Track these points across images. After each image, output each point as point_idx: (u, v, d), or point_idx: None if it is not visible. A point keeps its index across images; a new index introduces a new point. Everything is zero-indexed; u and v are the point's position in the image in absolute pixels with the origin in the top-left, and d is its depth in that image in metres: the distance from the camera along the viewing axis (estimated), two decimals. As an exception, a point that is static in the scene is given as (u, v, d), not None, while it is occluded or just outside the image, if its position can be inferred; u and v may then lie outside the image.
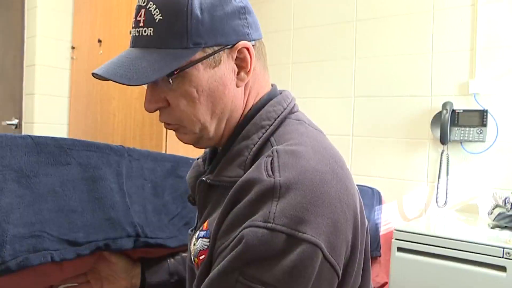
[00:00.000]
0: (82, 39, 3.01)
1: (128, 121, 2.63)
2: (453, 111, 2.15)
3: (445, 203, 2.20)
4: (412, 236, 1.68)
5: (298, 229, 0.62)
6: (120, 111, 2.69)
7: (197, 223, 0.87)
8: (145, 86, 0.77)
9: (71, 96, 3.13)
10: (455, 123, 2.14)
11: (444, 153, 2.19)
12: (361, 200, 0.75)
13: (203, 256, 0.72)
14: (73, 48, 3.08)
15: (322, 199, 0.64)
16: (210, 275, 0.65)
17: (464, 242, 1.57)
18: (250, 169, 0.69)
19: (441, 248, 1.61)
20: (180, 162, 1.18)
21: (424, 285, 1.65)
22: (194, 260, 0.75)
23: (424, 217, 2.23)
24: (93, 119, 2.90)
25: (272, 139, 0.75)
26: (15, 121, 3.13)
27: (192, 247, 0.77)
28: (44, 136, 0.97)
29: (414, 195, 2.31)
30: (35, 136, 0.95)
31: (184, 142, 0.82)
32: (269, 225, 0.61)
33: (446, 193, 2.20)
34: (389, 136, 2.38)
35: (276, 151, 0.69)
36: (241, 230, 0.63)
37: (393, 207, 2.33)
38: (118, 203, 1.00)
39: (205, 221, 0.77)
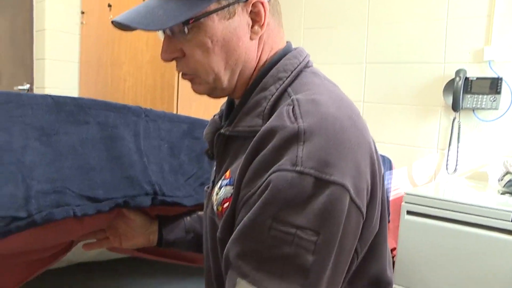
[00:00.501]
0: (92, 4, 2.99)
1: (139, 85, 2.64)
2: (466, 78, 2.14)
3: (455, 170, 2.21)
4: (422, 200, 1.70)
5: (326, 172, 0.63)
6: (130, 76, 2.70)
7: (214, 178, 0.89)
8: (157, 49, 0.78)
9: (81, 62, 3.14)
10: (468, 91, 2.14)
11: (456, 121, 2.19)
12: (376, 149, 0.77)
13: (227, 204, 0.74)
14: (82, 13, 3.07)
15: (344, 144, 0.66)
16: (241, 225, 0.67)
17: (473, 206, 1.59)
18: (271, 118, 0.71)
19: (450, 212, 1.63)
20: (196, 123, 1.19)
21: (432, 248, 1.68)
22: (217, 209, 0.77)
23: (433, 183, 2.25)
24: (104, 84, 2.91)
25: (289, 89, 0.76)
26: (27, 86, 3.15)
27: (214, 196, 0.79)
28: (63, 96, 0.98)
29: (424, 162, 2.32)
30: (55, 96, 0.96)
31: (199, 93, 0.84)
32: (298, 168, 0.63)
33: (456, 160, 2.21)
34: (401, 102, 2.38)
35: (297, 99, 0.71)
36: (268, 176, 0.65)
37: (402, 174, 2.35)
38: (136, 162, 1.02)
39: (226, 171, 0.79)
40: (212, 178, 0.92)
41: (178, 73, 2.47)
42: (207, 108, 2.49)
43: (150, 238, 1.09)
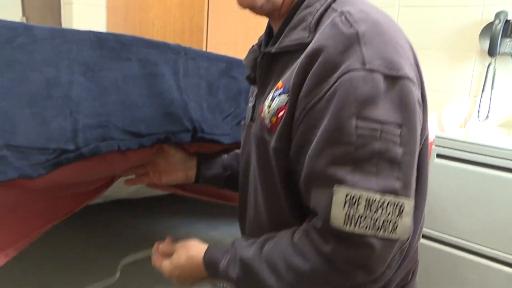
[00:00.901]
0: None
1: (168, 29, 2.63)
2: (507, 21, 2.06)
3: (487, 117, 2.18)
4: (452, 143, 1.70)
5: (393, 68, 0.67)
6: (159, 20, 2.68)
7: (255, 102, 0.91)
8: None
9: (108, 6, 3.12)
10: (508, 34, 2.06)
11: (491, 66, 2.14)
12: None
13: (282, 112, 0.76)
14: (110, -46, 3.03)
15: (399, 47, 0.70)
16: (322, 134, 0.68)
17: (504, 150, 1.58)
18: (323, 29, 0.73)
19: (481, 156, 1.62)
20: (234, 63, 1.20)
21: (460, 192, 1.69)
22: (270, 121, 0.79)
23: (463, 129, 2.23)
24: (132, 29, 2.91)
25: (333, 5, 0.77)
26: (56, 30, 3.16)
27: (266, 110, 0.80)
28: (105, 32, 0.99)
29: (454, 108, 2.29)
30: (97, 32, 0.98)
31: (245, 4, 0.83)
32: (367, 66, 0.66)
33: (489, 108, 2.17)
34: (434, 47, 2.33)
35: (347, 11, 0.72)
36: (336, 80, 0.67)
37: (432, 120, 2.33)
38: (177, 99, 1.04)
39: (275, 86, 0.81)
40: (252, 103, 0.93)
41: (207, 17, 2.45)
42: (235, 52, 2.47)
43: (188, 174, 1.12)
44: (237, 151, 1.15)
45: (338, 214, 0.66)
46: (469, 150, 1.66)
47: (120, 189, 1.32)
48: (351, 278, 0.69)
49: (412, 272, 0.92)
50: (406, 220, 0.67)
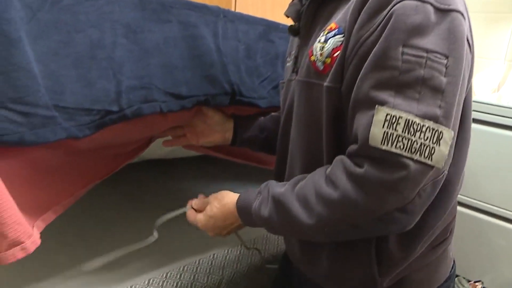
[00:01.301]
0: None
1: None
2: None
3: (522, 82, 2.13)
4: (485, 107, 1.68)
5: (444, 1, 0.68)
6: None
7: (298, 54, 0.91)
8: None
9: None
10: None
11: (529, 29, 2.08)
12: None
13: (337, 53, 0.77)
14: None
15: None
16: (371, 59, 0.70)
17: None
18: None
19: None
20: (271, 26, 1.19)
21: (492, 157, 1.68)
22: (324, 63, 0.80)
23: (497, 94, 2.19)
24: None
25: None
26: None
27: (317, 53, 0.81)
28: (146, -7, 0.99)
29: (488, 73, 2.24)
30: (138, -7, 0.97)
31: None
32: None
33: (525, 72, 2.12)
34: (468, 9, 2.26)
35: None
36: (389, 10, 0.68)
37: (465, 85, 2.29)
38: (216, 62, 1.04)
39: (321, 30, 0.82)
40: (293, 56, 0.94)
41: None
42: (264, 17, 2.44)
43: (225, 135, 1.14)
44: (273, 113, 1.16)
45: (377, 133, 0.68)
46: (503, 114, 1.63)
47: (156, 149, 1.35)
48: (381, 202, 0.69)
49: (450, 229, 0.94)
50: (443, 149, 0.68)
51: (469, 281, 1.92)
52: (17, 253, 0.81)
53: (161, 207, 1.05)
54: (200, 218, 0.98)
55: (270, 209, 0.83)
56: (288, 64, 0.98)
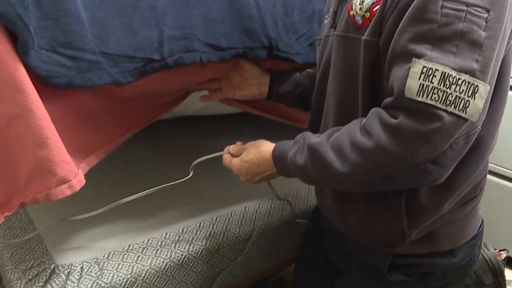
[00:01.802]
0: None
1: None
2: None
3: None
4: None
5: None
6: None
7: (337, 9, 0.92)
8: None
9: None
10: None
11: None
12: None
13: (377, 7, 0.78)
14: None
15: None
16: (410, 12, 0.71)
17: None
18: None
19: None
20: (309, -17, 1.19)
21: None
22: (363, 17, 0.81)
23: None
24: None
25: None
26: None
27: (357, 7, 0.83)
28: None
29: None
30: None
31: None
32: None
33: None
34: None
35: None
36: None
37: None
38: (255, 16, 1.04)
39: None
40: (333, 9, 0.94)
41: None
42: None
43: (261, 89, 1.16)
44: (309, 70, 1.17)
45: (412, 84, 0.69)
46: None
47: (190, 105, 1.38)
48: (414, 152, 0.71)
49: (480, 188, 0.95)
50: (478, 103, 0.69)
51: (494, 249, 1.92)
52: (65, 190, 0.86)
53: (190, 161, 1.08)
54: (235, 162, 1.01)
55: (305, 157, 0.85)
56: (326, 21, 0.99)
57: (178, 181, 1.05)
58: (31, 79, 0.79)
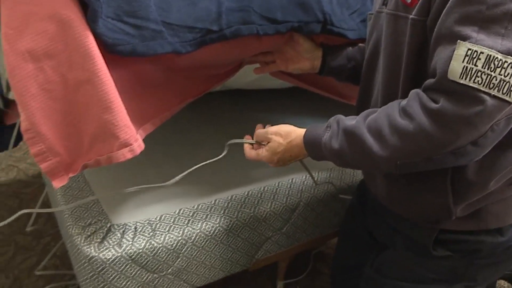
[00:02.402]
0: None
1: None
2: None
3: None
4: None
5: None
6: None
7: None
8: None
9: None
10: None
11: None
12: None
13: None
14: None
15: None
16: None
17: None
18: None
19: None
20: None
21: None
22: None
23: None
24: None
25: None
26: None
27: None
28: None
29: None
30: None
31: None
32: None
33: None
34: None
35: None
36: None
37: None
38: (311, -11, 1.05)
39: None
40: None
41: None
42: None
43: (314, 63, 1.16)
44: (361, 44, 1.17)
45: (456, 67, 0.68)
46: None
47: (239, 78, 1.40)
48: (457, 136, 0.70)
49: None
50: None
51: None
52: (126, 154, 0.90)
53: (234, 134, 1.10)
54: (264, 154, 1.00)
55: (341, 141, 0.84)
56: None
57: (211, 160, 1.07)
58: (98, 46, 0.83)
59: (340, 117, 0.89)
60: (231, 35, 0.98)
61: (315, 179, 1.28)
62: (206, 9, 0.94)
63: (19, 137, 2.00)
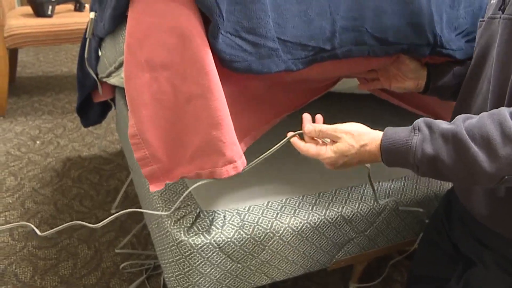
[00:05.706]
0: None
1: None
2: None
3: None
4: None
5: None
6: None
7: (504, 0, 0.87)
8: None
9: None
10: None
11: None
12: None
13: None
14: None
15: None
16: None
17: None
18: None
19: None
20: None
21: None
22: None
23: None
24: None
25: None
26: None
27: None
28: None
29: None
30: None
31: None
32: None
33: None
34: None
35: None
36: None
37: None
38: (425, 10, 1.01)
39: None
40: None
41: None
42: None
43: (419, 82, 1.13)
44: (468, 62, 1.12)
45: None
46: None
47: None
48: None
49: None
50: None
51: None
52: (230, 170, 0.91)
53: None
54: (329, 155, 0.87)
55: (436, 146, 0.75)
56: (493, 1, 0.93)
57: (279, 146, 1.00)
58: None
59: (430, 119, 0.79)
60: (342, 55, 0.97)
61: (379, 201, 1.26)
62: (321, 27, 0.93)
63: (103, 115, 2.10)
